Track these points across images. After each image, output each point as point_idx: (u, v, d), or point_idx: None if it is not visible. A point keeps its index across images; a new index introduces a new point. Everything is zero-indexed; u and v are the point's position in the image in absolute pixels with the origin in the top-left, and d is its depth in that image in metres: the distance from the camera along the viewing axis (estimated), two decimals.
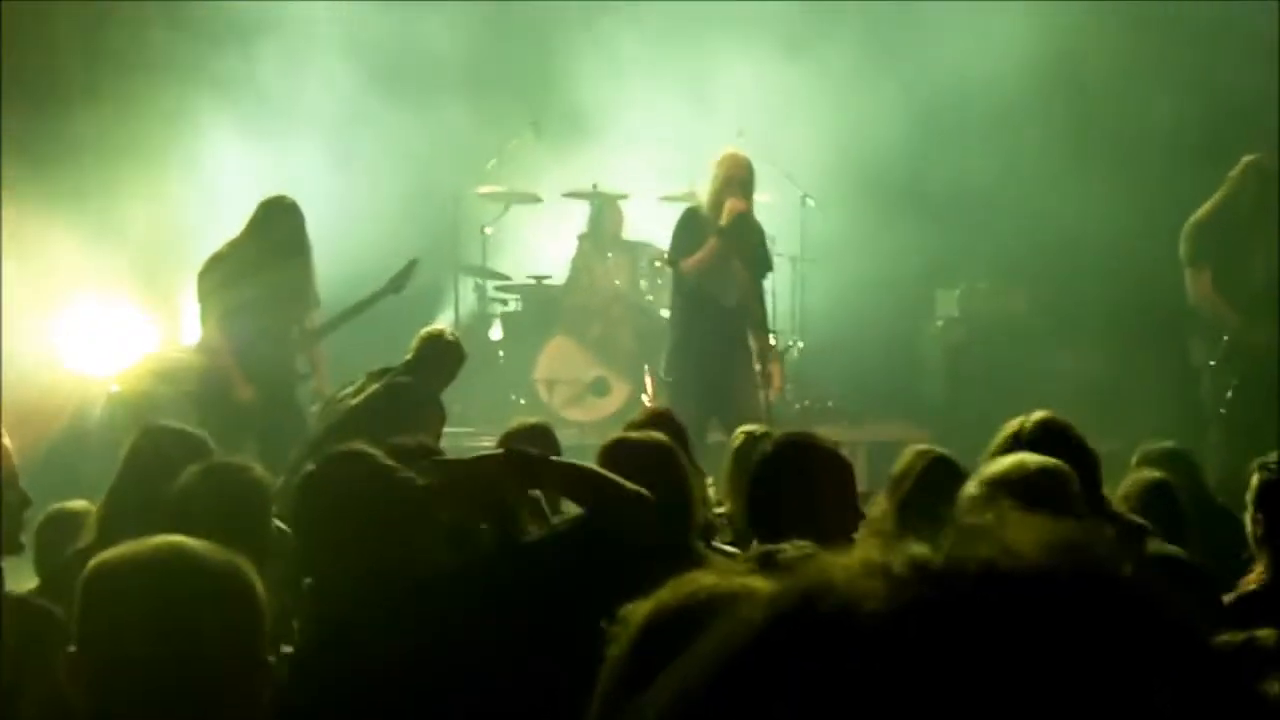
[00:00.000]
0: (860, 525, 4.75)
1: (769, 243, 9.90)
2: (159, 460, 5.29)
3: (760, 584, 2.14)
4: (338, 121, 12.24)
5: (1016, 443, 4.77)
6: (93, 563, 2.64)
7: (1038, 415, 4.97)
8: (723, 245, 9.36)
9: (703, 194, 9.85)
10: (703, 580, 2.14)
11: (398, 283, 9.41)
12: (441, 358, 7.76)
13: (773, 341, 9.88)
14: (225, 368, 8.86)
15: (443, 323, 8.75)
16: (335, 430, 7.23)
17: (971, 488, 4.09)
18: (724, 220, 9.36)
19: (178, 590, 2.55)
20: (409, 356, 7.73)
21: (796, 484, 4.54)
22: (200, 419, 8.62)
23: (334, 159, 11.86)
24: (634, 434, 5.30)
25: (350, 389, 7.66)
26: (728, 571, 2.25)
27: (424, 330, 7.95)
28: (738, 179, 9.43)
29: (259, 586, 2.63)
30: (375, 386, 7.55)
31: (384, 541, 4.25)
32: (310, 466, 4.68)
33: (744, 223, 9.44)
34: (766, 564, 3.58)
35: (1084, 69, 11.86)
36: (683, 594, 2.14)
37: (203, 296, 8.94)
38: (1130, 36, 11.56)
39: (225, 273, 8.86)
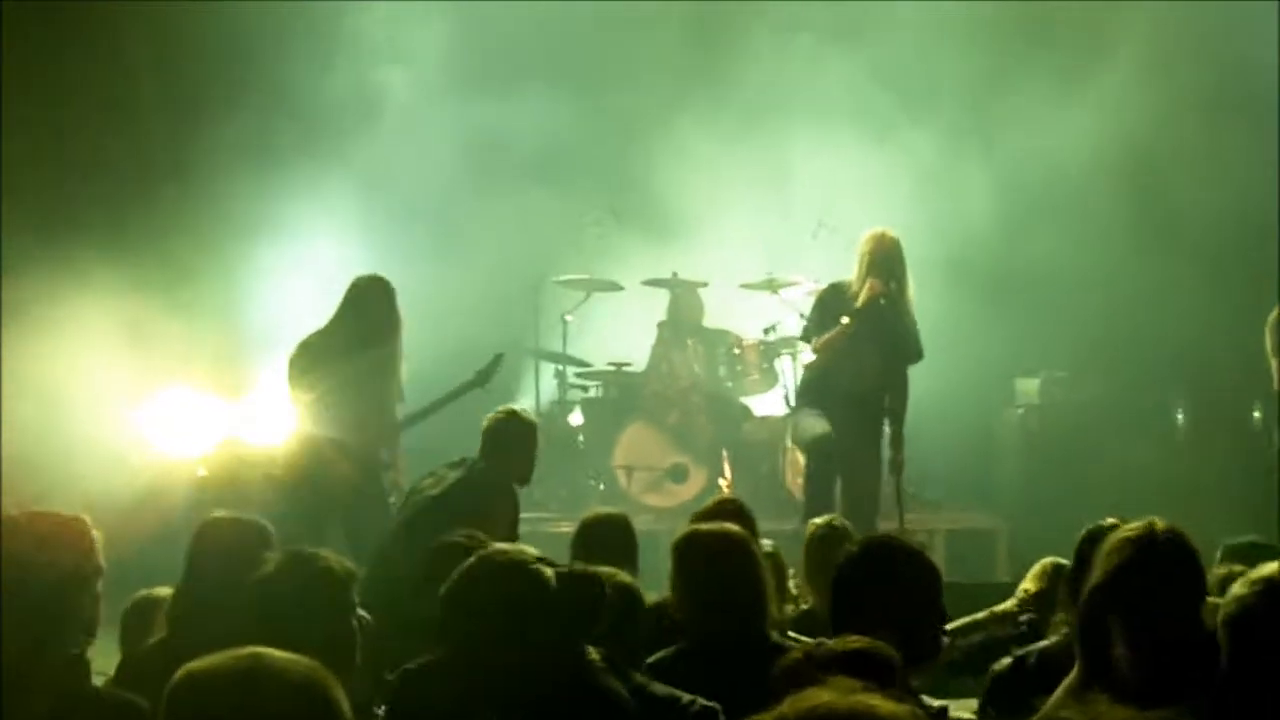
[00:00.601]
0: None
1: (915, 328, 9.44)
2: (223, 551, 5.38)
3: (880, 703, 2.18)
4: (423, 209, 12.41)
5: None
6: (180, 673, 2.68)
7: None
8: (856, 326, 9.18)
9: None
10: (821, 697, 2.18)
11: (484, 376, 9.38)
12: (510, 438, 7.72)
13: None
14: (320, 450, 8.87)
15: (516, 405, 8.70)
16: (414, 522, 7.32)
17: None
18: (861, 301, 9.19)
19: (261, 707, 2.59)
20: (482, 444, 7.75)
21: (879, 586, 4.55)
22: (289, 506, 8.75)
23: (419, 247, 12.02)
24: (705, 526, 5.36)
25: (430, 480, 7.72)
26: (844, 689, 2.26)
27: (489, 415, 7.87)
28: (880, 258, 9.15)
29: (341, 697, 2.68)
30: (454, 477, 7.61)
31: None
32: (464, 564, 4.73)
33: (884, 305, 9.19)
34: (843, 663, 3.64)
35: (1165, 157, 11.83)
36: (802, 710, 2.17)
37: (293, 382, 8.95)
38: (1209, 125, 11.54)
39: (314, 357, 8.89)
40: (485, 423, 7.80)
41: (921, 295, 9.65)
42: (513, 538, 7.42)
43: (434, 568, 5.08)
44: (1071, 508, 10.60)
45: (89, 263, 10.59)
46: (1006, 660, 5.02)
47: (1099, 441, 11.62)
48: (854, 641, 3.72)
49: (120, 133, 11.70)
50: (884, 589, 4.55)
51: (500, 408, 8.08)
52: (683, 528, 5.48)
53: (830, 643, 3.81)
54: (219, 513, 5.85)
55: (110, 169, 11.41)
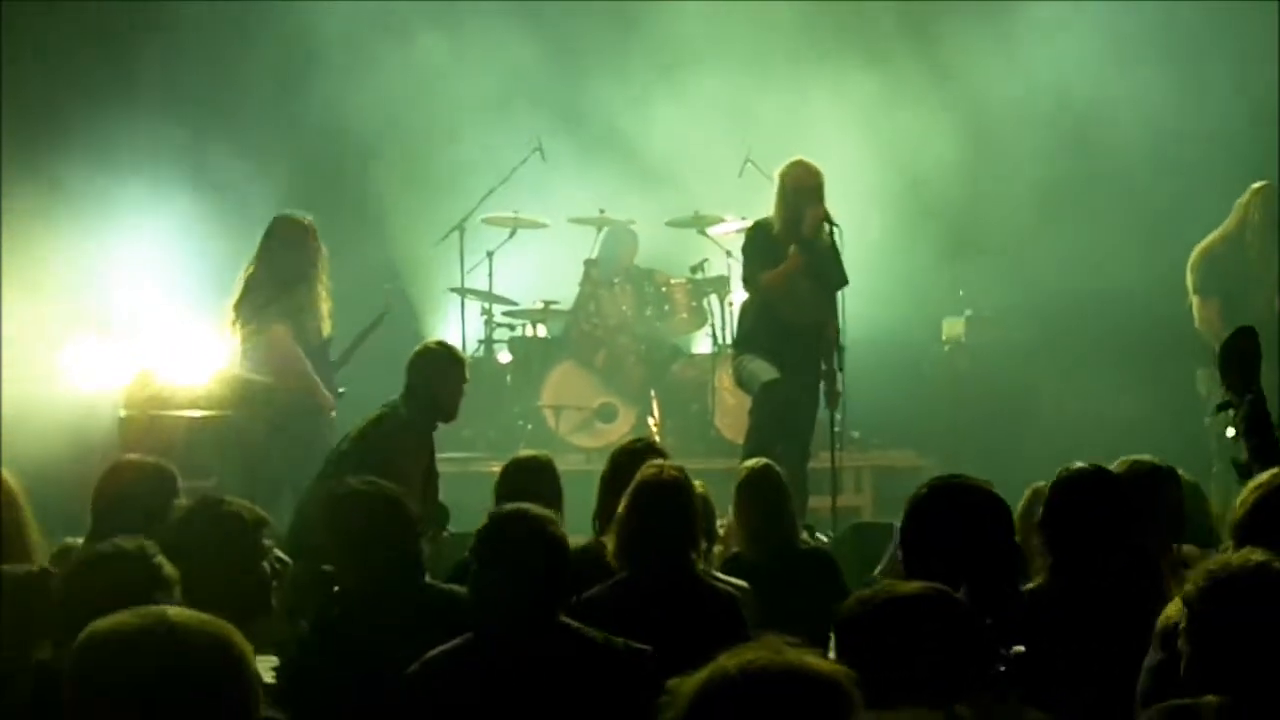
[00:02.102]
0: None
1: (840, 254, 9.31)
2: (128, 498, 5.37)
3: (814, 660, 2.17)
4: (351, 146, 12.25)
5: None
6: (85, 633, 2.67)
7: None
8: (804, 257, 9.06)
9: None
10: (756, 653, 2.16)
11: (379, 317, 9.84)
12: (428, 372, 7.57)
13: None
14: (241, 391, 8.83)
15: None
16: (334, 466, 7.28)
17: None
18: (807, 230, 9.00)
19: (168, 667, 2.59)
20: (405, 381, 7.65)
21: (950, 527, 4.47)
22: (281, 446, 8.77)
23: (345, 184, 11.87)
24: (655, 464, 5.37)
25: (358, 421, 7.66)
26: (775, 647, 2.26)
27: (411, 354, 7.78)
28: (809, 186, 9.01)
29: (247, 653, 2.67)
30: (369, 417, 7.54)
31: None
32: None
33: (820, 234, 9.06)
34: None
35: (1103, 103, 11.80)
36: (741, 664, 2.15)
37: (230, 322, 8.95)
38: (1151, 80, 11.52)
39: (239, 297, 8.92)
40: (407, 364, 7.70)
41: (851, 230, 9.61)
42: (429, 486, 7.38)
43: (328, 516, 5.08)
44: (997, 446, 10.71)
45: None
46: None
47: (1025, 381, 11.66)
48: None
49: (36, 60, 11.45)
50: (953, 528, 4.46)
51: (421, 342, 8.01)
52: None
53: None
54: (127, 457, 5.83)
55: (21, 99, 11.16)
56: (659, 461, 5.44)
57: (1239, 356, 5.45)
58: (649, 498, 5.16)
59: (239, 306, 8.91)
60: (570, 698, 4.26)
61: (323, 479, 7.27)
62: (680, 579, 5.10)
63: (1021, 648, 4.00)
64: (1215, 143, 11.05)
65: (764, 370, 9.05)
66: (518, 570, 4.30)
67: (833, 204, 9.26)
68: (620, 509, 5.15)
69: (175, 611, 2.68)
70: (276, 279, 8.89)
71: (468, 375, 7.86)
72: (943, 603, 3.46)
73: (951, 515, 4.45)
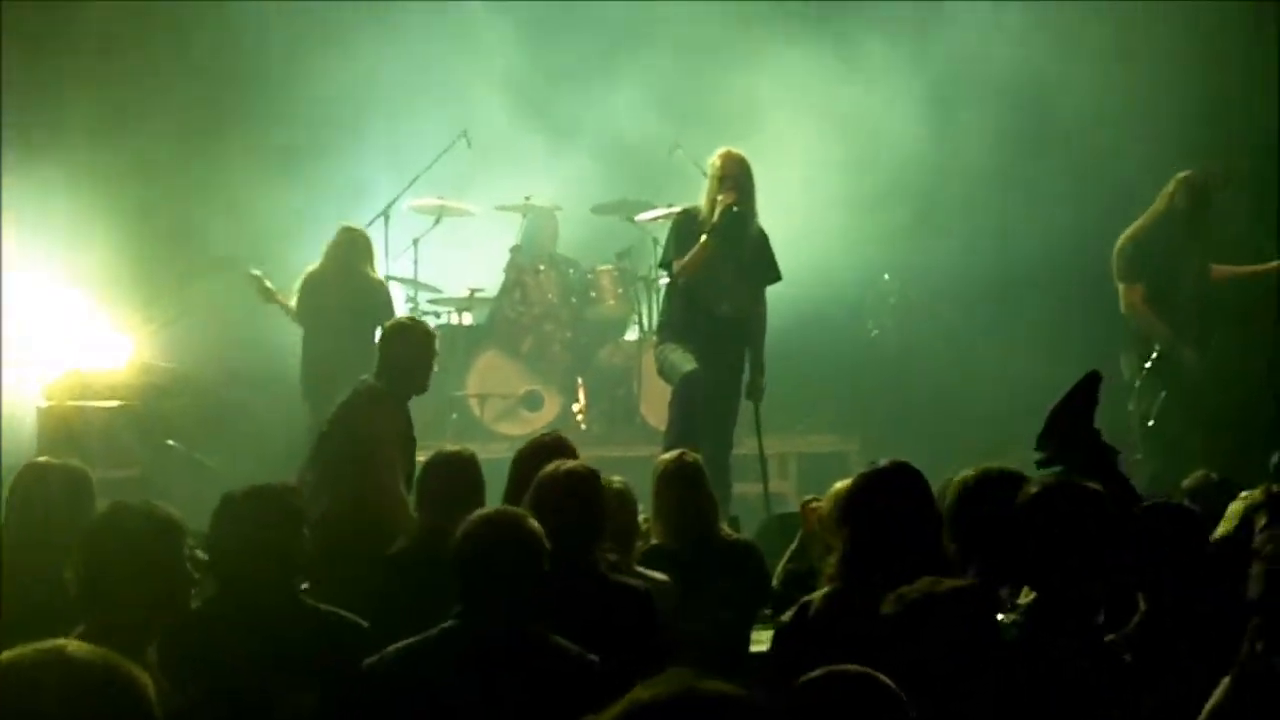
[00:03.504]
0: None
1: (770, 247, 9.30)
2: (41, 500, 5.31)
3: (715, 685, 2.16)
4: (281, 131, 12.13)
5: None
6: None
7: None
8: (715, 246, 9.02)
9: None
10: (655, 689, 2.20)
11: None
12: (397, 349, 7.58)
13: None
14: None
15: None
16: (316, 446, 7.35)
17: None
18: (716, 217, 8.97)
19: (62, 704, 2.59)
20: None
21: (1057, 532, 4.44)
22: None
23: (274, 169, 11.77)
24: (559, 464, 5.33)
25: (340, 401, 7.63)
26: (681, 679, 2.26)
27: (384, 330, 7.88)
28: (730, 175, 8.99)
29: (145, 686, 2.65)
30: (340, 400, 7.53)
31: None
32: None
33: (739, 223, 9.02)
34: None
35: (1046, 89, 11.77)
36: (643, 701, 2.15)
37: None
38: (1090, 54, 11.51)
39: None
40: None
41: (778, 214, 9.59)
42: (408, 451, 7.32)
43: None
44: (923, 430, 10.72)
45: None
46: (791, 611, 4.95)
47: (952, 365, 11.68)
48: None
49: None
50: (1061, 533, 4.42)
51: (392, 319, 8.03)
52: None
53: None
54: (38, 460, 5.74)
55: None
56: (568, 463, 5.37)
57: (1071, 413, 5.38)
58: (550, 495, 5.11)
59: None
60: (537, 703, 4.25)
61: (311, 462, 7.33)
62: (586, 577, 5.06)
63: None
64: (1156, 128, 11.05)
65: (684, 360, 9.03)
66: (497, 568, 4.40)
67: (769, 186, 9.28)
68: (524, 505, 5.08)
69: (74, 646, 2.66)
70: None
71: (438, 349, 7.91)
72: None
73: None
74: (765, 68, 12.05)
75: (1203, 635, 4.37)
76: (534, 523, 4.54)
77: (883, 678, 3.25)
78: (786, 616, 4.92)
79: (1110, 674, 4.12)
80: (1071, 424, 5.21)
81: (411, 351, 7.58)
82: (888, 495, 4.77)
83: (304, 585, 5.03)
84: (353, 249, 10.54)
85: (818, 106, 11.92)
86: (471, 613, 4.42)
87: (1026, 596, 4.60)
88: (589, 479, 5.24)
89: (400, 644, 4.49)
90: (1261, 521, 5.33)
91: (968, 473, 5.14)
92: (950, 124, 11.84)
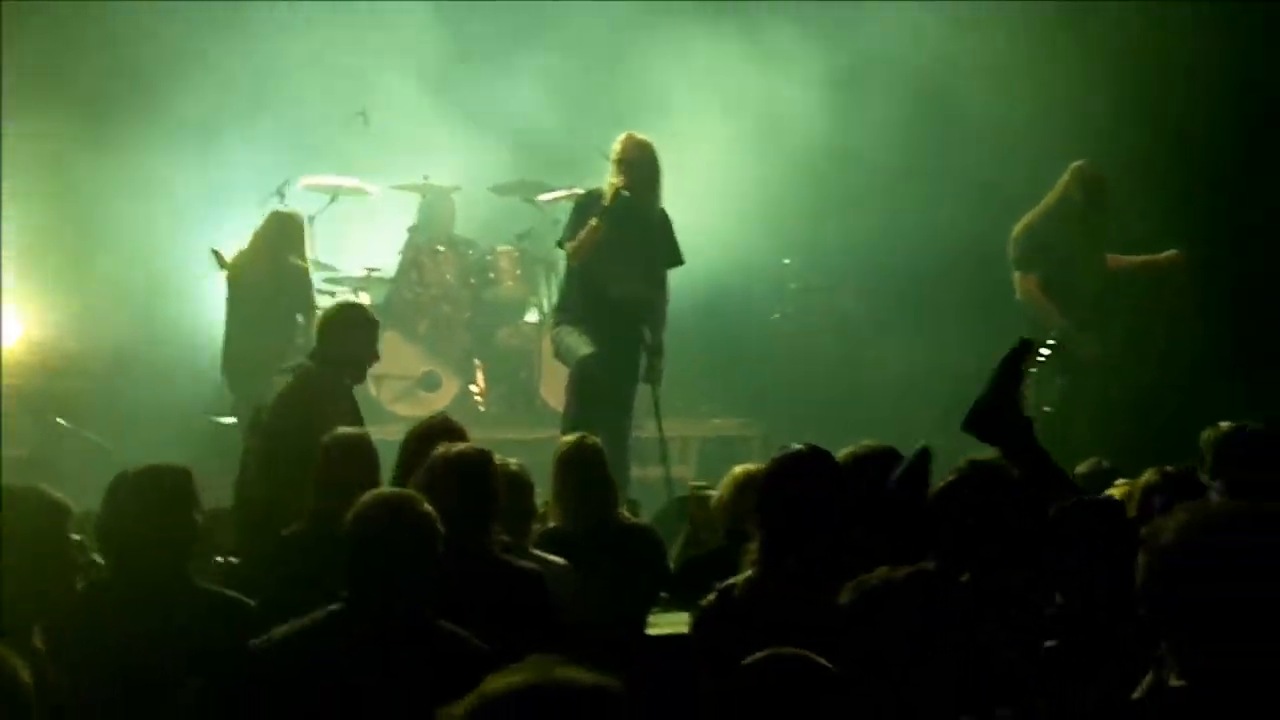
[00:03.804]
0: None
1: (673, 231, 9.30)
2: None
3: (580, 675, 2.11)
4: (169, 107, 11.92)
5: None
6: None
7: None
8: (605, 229, 8.98)
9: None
10: (519, 675, 2.14)
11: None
12: (336, 333, 7.52)
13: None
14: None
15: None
16: (257, 437, 7.24)
17: None
18: (608, 201, 8.96)
19: None
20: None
21: (983, 511, 4.47)
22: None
23: (162, 145, 11.59)
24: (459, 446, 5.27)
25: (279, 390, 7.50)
26: (543, 666, 2.20)
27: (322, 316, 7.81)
28: (627, 160, 8.97)
29: (10, 665, 2.59)
30: (278, 386, 7.42)
31: None
32: None
33: (631, 207, 9.00)
34: None
35: (952, 73, 11.76)
36: (500, 690, 2.11)
37: None
38: (996, 46, 11.51)
39: None
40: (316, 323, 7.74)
41: (683, 198, 9.57)
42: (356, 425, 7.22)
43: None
44: (823, 414, 10.73)
45: None
46: (712, 595, 4.90)
47: (852, 349, 11.71)
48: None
49: None
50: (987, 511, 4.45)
51: (334, 304, 7.94)
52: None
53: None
54: None
55: None
56: (460, 445, 5.31)
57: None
58: (442, 477, 5.04)
59: None
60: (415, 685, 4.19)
61: (251, 452, 7.25)
62: (478, 559, 5.00)
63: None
64: (1057, 126, 11.08)
65: (580, 344, 8.99)
66: (386, 549, 4.35)
67: (675, 171, 9.26)
68: (415, 488, 5.01)
69: None
70: None
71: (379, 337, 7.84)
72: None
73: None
74: (673, 53, 11.97)
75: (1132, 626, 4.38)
76: (426, 505, 4.49)
77: (821, 660, 3.26)
78: (707, 601, 4.88)
79: (1037, 664, 4.12)
80: (1003, 402, 5.15)
81: (355, 338, 7.50)
82: (801, 479, 4.75)
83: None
84: (280, 235, 10.43)
85: (725, 93, 11.89)
86: (358, 595, 4.36)
87: None
88: (481, 461, 5.18)
89: (286, 626, 4.42)
90: (1157, 503, 5.36)
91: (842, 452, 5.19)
92: (856, 114, 11.81)
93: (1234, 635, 3.25)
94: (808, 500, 4.70)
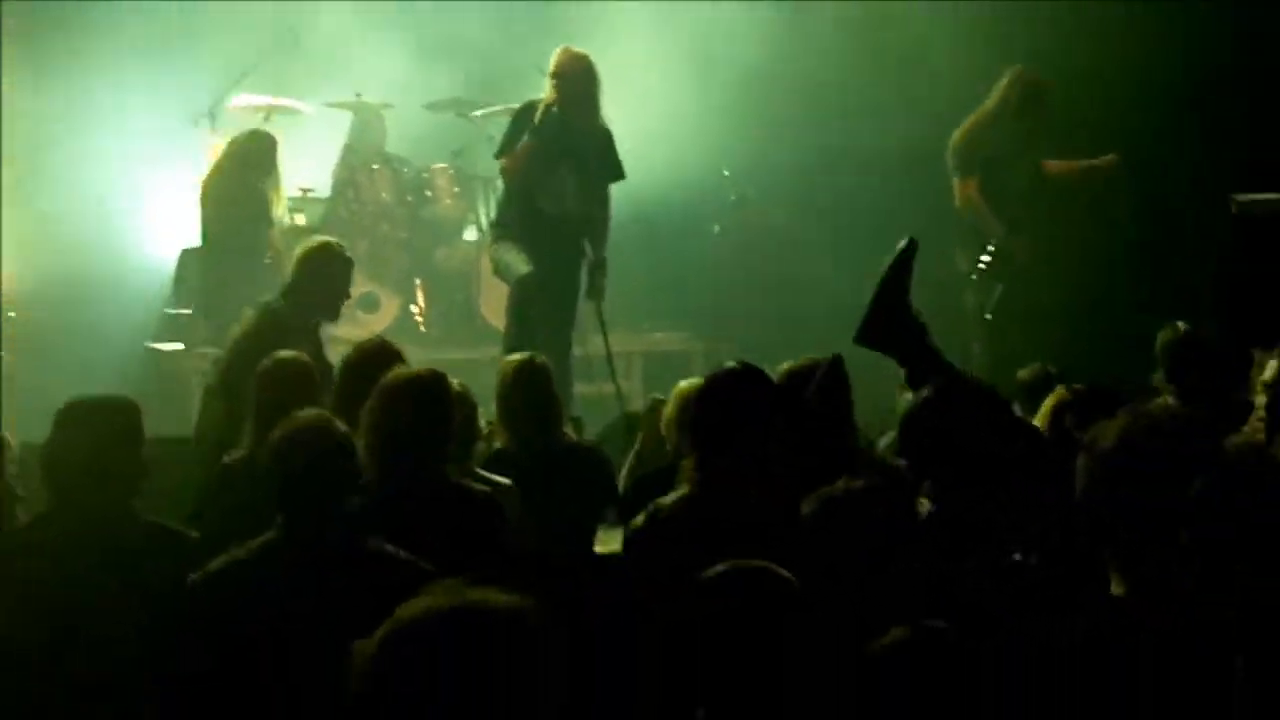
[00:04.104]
0: None
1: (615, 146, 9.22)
2: None
3: (494, 596, 2.10)
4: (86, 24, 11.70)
5: None
6: None
7: None
8: (541, 146, 8.90)
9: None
10: (431, 600, 2.11)
11: None
12: (308, 270, 7.49)
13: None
14: None
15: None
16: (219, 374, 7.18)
17: None
18: (538, 119, 8.89)
19: None
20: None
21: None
22: None
23: (87, 68, 11.39)
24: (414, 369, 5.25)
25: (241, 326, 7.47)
26: (455, 589, 2.17)
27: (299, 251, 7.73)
28: (560, 74, 8.88)
29: None
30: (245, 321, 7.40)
31: None
32: None
33: (560, 123, 8.91)
34: None
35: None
36: (415, 614, 2.10)
37: None
38: None
39: None
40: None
41: (624, 113, 9.49)
42: (324, 380, 7.15)
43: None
44: (763, 326, 10.73)
45: None
46: (641, 516, 4.88)
47: (791, 261, 11.68)
48: None
49: None
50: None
51: (310, 239, 7.93)
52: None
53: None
54: None
55: None
56: (414, 368, 5.27)
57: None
58: (397, 401, 4.99)
59: None
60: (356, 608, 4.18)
61: (215, 390, 7.17)
62: (434, 484, 4.97)
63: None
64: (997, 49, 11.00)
65: (518, 262, 8.96)
66: (313, 475, 4.34)
67: (616, 85, 9.19)
68: (367, 413, 4.98)
69: None
70: None
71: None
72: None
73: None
74: None
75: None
76: (341, 425, 4.48)
77: (783, 572, 3.25)
78: (637, 522, 4.87)
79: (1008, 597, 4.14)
80: (893, 307, 5.05)
81: (328, 276, 7.47)
82: (732, 398, 4.72)
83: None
84: (244, 156, 10.43)
85: (666, 9, 11.75)
86: (289, 523, 4.34)
87: None
88: (436, 383, 5.12)
89: (222, 558, 4.40)
90: (1068, 420, 5.39)
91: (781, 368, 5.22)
92: (798, 33, 11.70)
93: (1172, 541, 3.28)
94: (739, 419, 4.67)
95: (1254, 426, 5.44)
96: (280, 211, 10.92)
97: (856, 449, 5.21)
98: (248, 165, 10.43)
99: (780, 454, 4.68)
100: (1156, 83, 10.37)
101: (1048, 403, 5.72)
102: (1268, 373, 5.61)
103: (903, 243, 5.10)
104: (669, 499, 4.78)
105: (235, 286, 9.82)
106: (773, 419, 4.71)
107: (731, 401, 4.71)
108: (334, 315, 7.64)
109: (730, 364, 4.89)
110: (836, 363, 5.07)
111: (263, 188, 10.46)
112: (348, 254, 7.76)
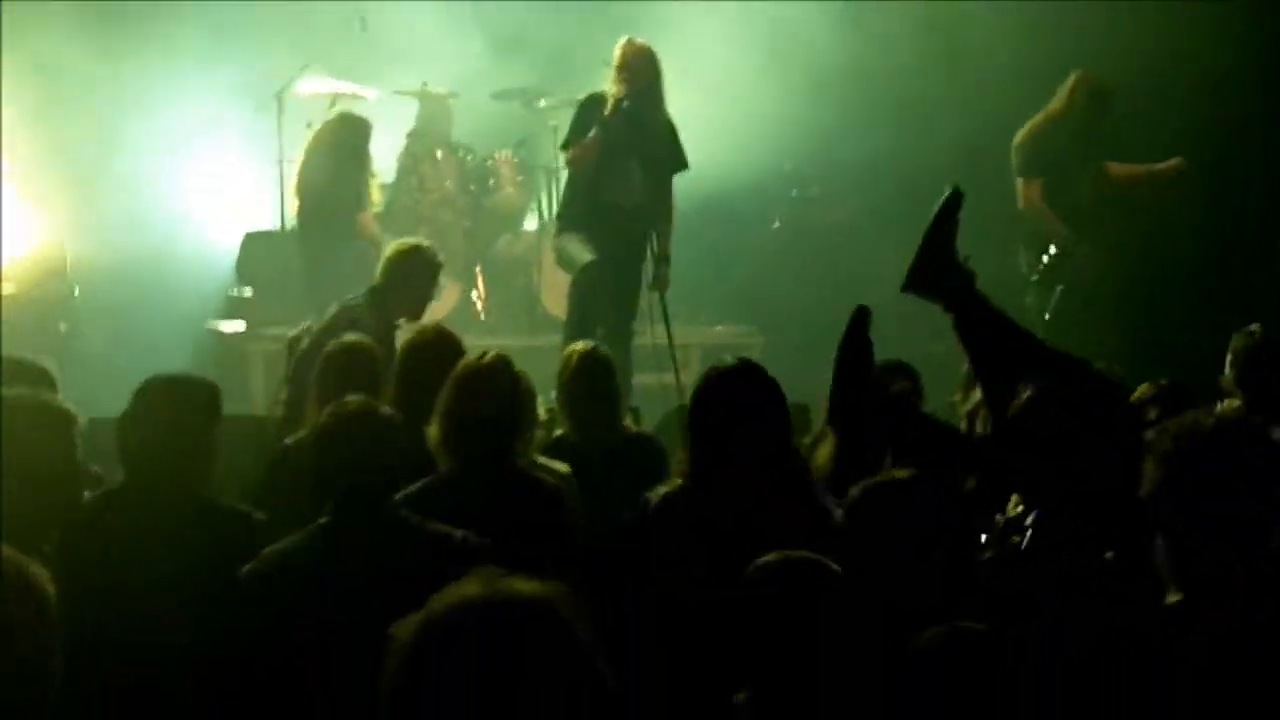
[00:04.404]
0: None
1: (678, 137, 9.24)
2: None
3: (524, 585, 2.12)
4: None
5: None
6: None
7: None
8: (608, 138, 8.91)
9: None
10: (465, 590, 2.15)
11: None
12: (397, 270, 7.56)
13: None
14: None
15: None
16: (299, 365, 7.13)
17: None
18: (608, 110, 8.91)
19: None
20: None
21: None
22: None
23: (152, 61, 11.49)
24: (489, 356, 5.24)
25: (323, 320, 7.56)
26: (488, 578, 2.19)
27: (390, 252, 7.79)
28: (627, 66, 8.89)
29: (40, 580, 2.57)
30: (330, 313, 7.50)
31: None
32: None
33: (630, 116, 8.92)
34: None
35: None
36: (449, 604, 2.12)
37: None
38: None
39: None
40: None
41: (688, 104, 9.51)
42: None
43: None
44: (824, 321, 10.68)
45: None
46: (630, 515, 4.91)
47: (854, 258, 11.65)
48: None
49: None
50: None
51: (401, 241, 8.00)
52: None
53: None
54: None
55: None
56: (489, 355, 5.28)
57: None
58: (471, 389, 5.03)
59: None
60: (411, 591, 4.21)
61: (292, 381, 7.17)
62: (504, 472, 5.01)
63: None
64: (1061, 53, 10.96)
65: (581, 252, 8.98)
66: (356, 461, 4.40)
67: (679, 78, 9.20)
68: (441, 400, 5.02)
69: None
70: None
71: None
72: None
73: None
74: None
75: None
76: (386, 411, 4.57)
77: (830, 564, 3.31)
78: (625, 519, 4.90)
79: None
80: (939, 255, 5.00)
81: (415, 281, 7.55)
82: (730, 395, 4.67)
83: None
84: (336, 145, 10.58)
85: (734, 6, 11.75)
86: (341, 509, 4.38)
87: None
88: (509, 371, 5.16)
89: (277, 546, 4.44)
90: (1153, 415, 5.35)
91: None
92: (866, 30, 11.67)
93: (1237, 545, 3.24)
94: (735, 415, 4.61)
95: None
96: (375, 196, 11.03)
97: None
98: (340, 150, 10.52)
99: (775, 450, 4.66)
100: (1225, 82, 10.31)
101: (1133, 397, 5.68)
102: None
103: (948, 191, 5.04)
104: (659, 491, 4.76)
105: (320, 271, 9.92)
106: (772, 417, 4.69)
107: (727, 398, 4.66)
108: (417, 316, 7.65)
109: (729, 360, 4.86)
110: (862, 313, 5.06)
111: (356, 172, 10.55)
112: (439, 258, 7.82)
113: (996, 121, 10.37)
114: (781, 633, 3.33)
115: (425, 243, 7.95)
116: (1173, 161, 10.05)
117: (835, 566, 3.42)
